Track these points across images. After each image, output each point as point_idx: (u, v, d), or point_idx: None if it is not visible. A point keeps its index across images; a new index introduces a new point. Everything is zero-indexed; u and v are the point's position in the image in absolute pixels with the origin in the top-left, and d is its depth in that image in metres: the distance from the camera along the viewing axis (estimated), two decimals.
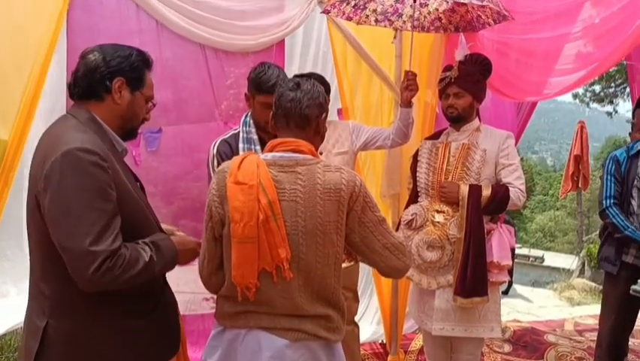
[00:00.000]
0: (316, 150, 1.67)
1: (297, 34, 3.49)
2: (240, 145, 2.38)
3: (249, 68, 3.13)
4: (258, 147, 2.37)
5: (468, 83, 2.66)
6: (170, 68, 2.91)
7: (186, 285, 2.70)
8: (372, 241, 1.61)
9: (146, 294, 1.57)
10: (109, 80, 1.53)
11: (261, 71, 2.33)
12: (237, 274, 1.54)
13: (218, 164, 2.33)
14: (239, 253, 1.53)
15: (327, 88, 2.91)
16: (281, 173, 1.56)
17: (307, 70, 3.41)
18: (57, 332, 1.45)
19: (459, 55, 2.71)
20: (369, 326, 4.04)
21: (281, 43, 3.21)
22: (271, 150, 1.62)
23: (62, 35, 2.58)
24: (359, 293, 3.13)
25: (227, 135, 2.49)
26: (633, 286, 2.75)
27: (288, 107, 1.61)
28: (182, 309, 2.94)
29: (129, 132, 1.64)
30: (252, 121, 2.43)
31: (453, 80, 2.66)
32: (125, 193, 1.49)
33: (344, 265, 2.08)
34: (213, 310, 2.98)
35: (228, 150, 2.39)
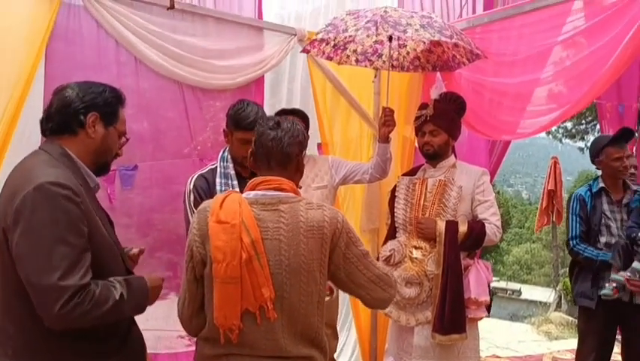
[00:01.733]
0: (296, 186, 1.67)
1: (283, 69, 3.53)
2: (218, 180, 2.37)
3: (229, 101, 3.16)
4: (236, 182, 2.36)
5: (443, 120, 2.72)
6: (148, 100, 2.91)
7: (155, 321, 2.63)
8: (358, 276, 1.61)
9: (111, 333, 1.52)
10: (83, 115, 1.53)
11: (239, 108, 2.34)
12: (220, 315, 1.50)
13: (195, 199, 2.32)
14: (221, 293, 1.49)
15: (307, 123, 2.95)
16: (263, 211, 1.54)
17: (292, 104, 3.45)
18: None
19: (434, 93, 2.77)
20: None
21: (260, 80, 3.25)
22: (253, 189, 1.60)
23: (40, 65, 2.58)
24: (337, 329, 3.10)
25: (205, 170, 2.48)
26: (603, 291, 2.76)
27: (270, 145, 1.61)
28: (156, 347, 2.90)
29: (102, 167, 1.63)
30: (229, 156, 2.43)
31: (428, 118, 2.71)
32: (94, 230, 1.46)
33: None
34: (188, 349, 2.96)
35: (205, 184, 2.38)
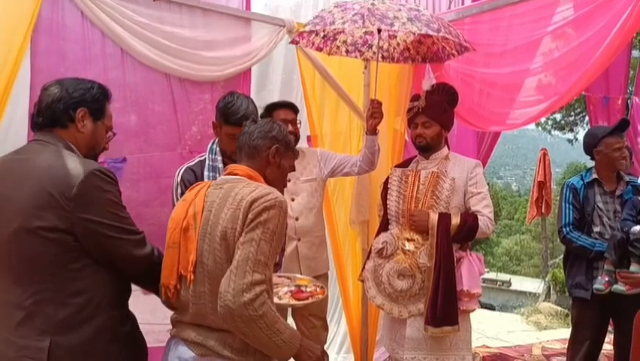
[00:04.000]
0: (276, 181, 1.78)
1: (269, 61, 3.50)
2: (206, 173, 2.36)
3: (219, 93, 3.13)
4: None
5: (436, 112, 2.71)
6: (135, 93, 2.87)
7: (143, 315, 2.62)
8: (237, 252, 1.53)
9: (123, 300, 1.71)
10: (72, 110, 1.62)
11: (229, 102, 2.31)
12: (163, 275, 1.69)
13: (182, 191, 2.31)
14: (166, 256, 1.69)
15: (295, 111, 2.95)
16: (213, 190, 1.68)
17: (275, 97, 3.43)
18: (62, 348, 1.49)
19: (426, 85, 2.76)
20: (337, 354, 3.98)
21: (247, 72, 3.22)
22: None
23: (26, 58, 2.54)
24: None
25: (193, 162, 2.46)
26: (595, 286, 2.78)
27: (241, 139, 1.79)
28: (146, 341, 2.88)
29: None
30: (218, 149, 2.41)
31: (421, 109, 2.70)
32: None
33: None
34: None
35: (192, 177, 2.36)
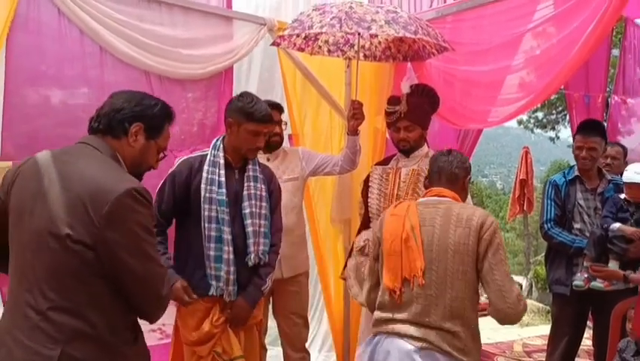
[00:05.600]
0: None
1: (246, 60, 3.49)
2: (205, 167, 2.35)
3: (199, 93, 3.12)
4: (222, 171, 2.33)
5: (418, 116, 2.71)
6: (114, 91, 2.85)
7: None
8: (492, 272, 1.88)
9: (132, 324, 1.63)
10: (128, 123, 1.62)
11: (250, 102, 2.34)
12: (387, 279, 1.99)
13: (172, 179, 2.35)
14: (388, 263, 2.00)
15: (281, 112, 2.96)
16: (425, 209, 2.00)
17: (258, 95, 3.41)
18: (71, 359, 1.45)
19: (405, 86, 2.75)
20: (319, 353, 3.97)
21: (229, 70, 3.21)
22: (423, 197, 2.10)
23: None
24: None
25: (194, 155, 2.46)
26: (575, 282, 2.81)
27: (442, 165, 2.08)
28: (149, 340, 2.84)
29: (134, 176, 1.64)
30: (222, 145, 2.40)
31: (403, 115, 2.69)
32: None
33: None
34: (160, 342, 2.92)
35: (187, 170, 2.37)
